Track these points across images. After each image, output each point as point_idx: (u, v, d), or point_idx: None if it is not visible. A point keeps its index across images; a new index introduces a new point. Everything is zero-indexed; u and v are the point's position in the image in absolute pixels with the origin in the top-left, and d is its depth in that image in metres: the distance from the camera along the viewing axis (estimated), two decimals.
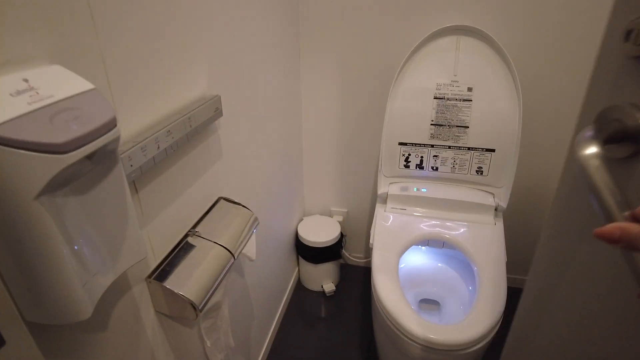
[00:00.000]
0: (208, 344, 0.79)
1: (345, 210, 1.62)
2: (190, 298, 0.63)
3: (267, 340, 1.33)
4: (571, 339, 0.51)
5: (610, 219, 0.29)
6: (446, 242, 1.14)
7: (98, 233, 0.44)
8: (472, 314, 0.90)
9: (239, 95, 0.90)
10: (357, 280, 1.66)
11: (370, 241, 1.15)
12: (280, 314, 1.45)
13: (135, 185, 0.57)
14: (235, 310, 1.00)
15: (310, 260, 1.52)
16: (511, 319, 0.65)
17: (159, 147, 0.57)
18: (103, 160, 0.42)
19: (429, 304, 1.23)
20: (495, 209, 1.17)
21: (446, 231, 1.14)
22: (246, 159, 0.98)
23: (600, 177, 0.31)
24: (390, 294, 0.96)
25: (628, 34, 0.37)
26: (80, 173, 0.40)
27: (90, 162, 0.39)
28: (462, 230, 1.14)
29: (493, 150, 1.16)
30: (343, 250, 1.67)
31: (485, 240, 1.11)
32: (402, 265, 1.27)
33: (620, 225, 0.28)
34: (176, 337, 0.74)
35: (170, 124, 0.60)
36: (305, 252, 1.51)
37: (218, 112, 0.75)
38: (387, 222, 1.19)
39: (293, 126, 1.35)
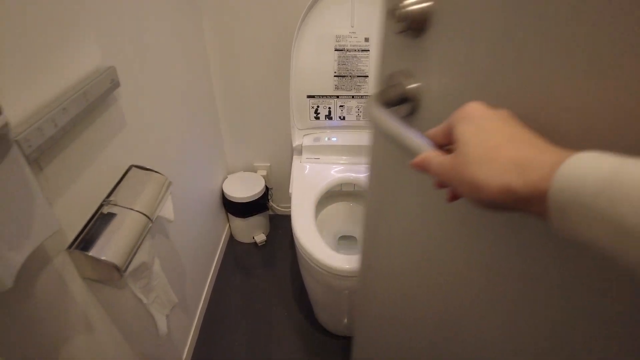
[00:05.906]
0: (144, 300, 0.86)
1: (269, 164, 1.69)
2: (113, 261, 0.68)
3: (205, 293, 1.42)
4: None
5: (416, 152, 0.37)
6: (356, 184, 1.26)
7: (3, 212, 0.47)
8: None
9: (138, 62, 0.90)
10: (286, 228, 1.76)
11: (290, 191, 1.24)
12: (215, 268, 1.54)
13: (39, 163, 0.60)
14: (165, 269, 1.07)
15: (238, 215, 1.59)
16: None
17: (56, 125, 0.59)
18: None
19: (347, 240, 1.37)
20: None
21: (355, 175, 1.26)
22: (154, 126, 1.00)
23: (394, 125, 0.39)
24: (307, 234, 1.07)
25: (391, 13, 0.41)
26: None
27: None
28: None
29: None
30: (271, 202, 1.76)
31: None
32: (321, 209, 1.39)
33: (422, 156, 0.36)
34: (109, 299, 0.80)
35: (65, 101, 0.62)
36: (232, 208, 1.58)
37: (115, 83, 0.76)
38: (303, 172, 1.29)
39: (202, 89, 1.36)
